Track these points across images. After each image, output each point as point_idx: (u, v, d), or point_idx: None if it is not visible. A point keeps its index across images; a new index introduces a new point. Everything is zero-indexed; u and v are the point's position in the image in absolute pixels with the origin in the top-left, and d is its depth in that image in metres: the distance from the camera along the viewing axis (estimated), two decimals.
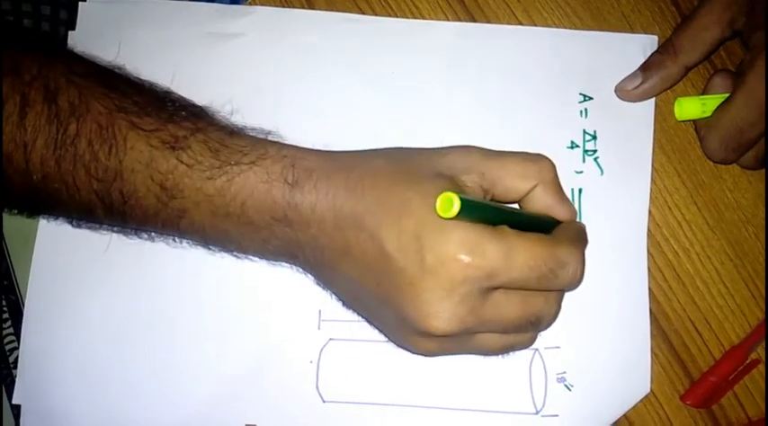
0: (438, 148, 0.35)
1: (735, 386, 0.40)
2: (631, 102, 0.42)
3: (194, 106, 0.36)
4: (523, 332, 0.35)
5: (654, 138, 0.42)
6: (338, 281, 0.36)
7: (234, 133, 0.35)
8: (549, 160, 0.35)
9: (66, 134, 0.33)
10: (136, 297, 0.40)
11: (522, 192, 0.35)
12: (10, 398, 0.40)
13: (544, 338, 0.39)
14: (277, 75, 0.42)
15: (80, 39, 0.42)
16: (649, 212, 0.41)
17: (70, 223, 0.39)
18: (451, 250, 0.31)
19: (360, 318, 0.38)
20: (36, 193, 0.34)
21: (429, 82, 0.42)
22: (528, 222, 0.34)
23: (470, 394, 0.39)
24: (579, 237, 0.35)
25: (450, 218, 0.29)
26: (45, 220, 0.41)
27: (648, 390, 0.39)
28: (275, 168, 0.33)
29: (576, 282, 0.33)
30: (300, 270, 0.37)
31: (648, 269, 0.41)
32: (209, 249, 0.37)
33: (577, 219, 0.40)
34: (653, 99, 0.42)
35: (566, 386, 0.39)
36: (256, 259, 0.38)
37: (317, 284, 0.37)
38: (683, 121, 0.42)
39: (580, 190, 0.41)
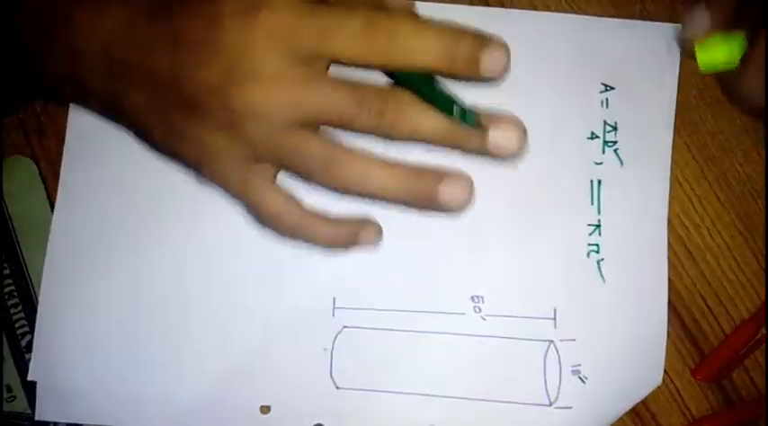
0: None
1: (745, 360, 0.41)
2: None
3: None
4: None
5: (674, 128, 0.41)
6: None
7: None
8: None
9: None
10: (149, 279, 0.40)
11: None
12: (24, 378, 0.40)
13: (560, 330, 0.39)
14: None
15: None
16: None
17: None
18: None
19: (374, 307, 0.39)
20: None
21: None
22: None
23: (484, 384, 0.39)
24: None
25: None
26: (60, 202, 0.40)
27: (660, 382, 0.39)
28: None
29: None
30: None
31: None
32: None
33: (592, 204, 0.40)
34: (675, 89, 0.41)
35: (580, 378, 0.39)
36: (265, 245, 0.37)
37: None
38: (706, 73, 0.36)
39: (600, 182, 0.41)
